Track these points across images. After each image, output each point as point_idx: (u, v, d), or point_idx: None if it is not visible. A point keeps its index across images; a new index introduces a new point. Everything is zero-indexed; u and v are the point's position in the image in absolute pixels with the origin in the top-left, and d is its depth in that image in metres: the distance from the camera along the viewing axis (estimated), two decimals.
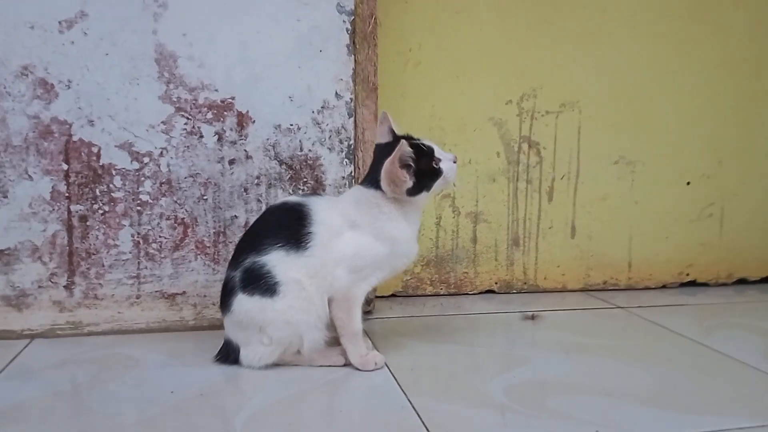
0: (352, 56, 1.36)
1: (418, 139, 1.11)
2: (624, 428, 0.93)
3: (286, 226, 1.09)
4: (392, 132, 1.12)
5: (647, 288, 1.76)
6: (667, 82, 1.71)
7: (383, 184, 1.09)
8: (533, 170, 1.67)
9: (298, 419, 0.94)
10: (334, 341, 1.14)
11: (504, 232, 1.67)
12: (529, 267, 1.69)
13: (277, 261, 1.08)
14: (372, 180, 1.11)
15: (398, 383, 1.07)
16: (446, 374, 1.14)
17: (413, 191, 1.10)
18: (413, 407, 0.97)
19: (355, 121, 1.38)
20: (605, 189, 1.71)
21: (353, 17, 1.35)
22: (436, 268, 1.64)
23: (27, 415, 0.95)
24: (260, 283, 1.07)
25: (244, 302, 1.09)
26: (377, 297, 1.59)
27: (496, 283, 1.68)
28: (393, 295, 1.63)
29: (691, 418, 0.96)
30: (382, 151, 1.10)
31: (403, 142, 1.06)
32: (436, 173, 1.11)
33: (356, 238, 1.10)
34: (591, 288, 1.73)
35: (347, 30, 1.35)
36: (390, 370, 1.12)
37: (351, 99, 1.37)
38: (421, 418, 0.94)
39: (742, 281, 1.82)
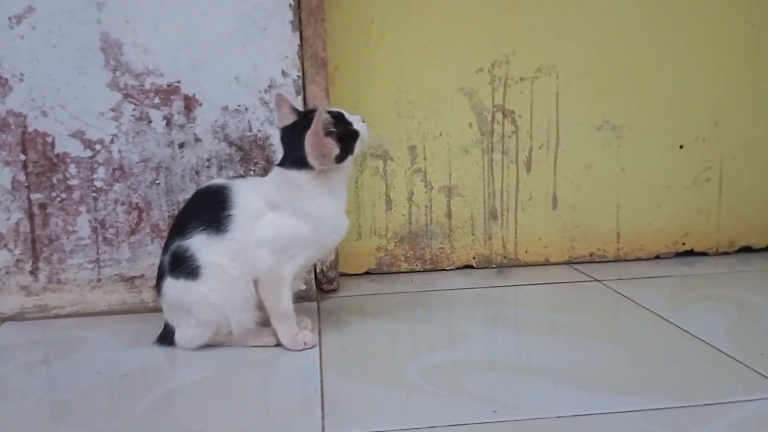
0: (298, 33, 1.34)
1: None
2: (527, 408, 0.89)
3: (208, 209, 1.10)
4: (295, 111, 1.11)
5: (638, 259, 1.67)
6: (654, 38, 1.59)
7: (311, 158, 1.07)
8: (509, 140, 1.60)
9: (200, 400, 0.96)
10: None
11: (480, 205, 1.62)
12: (508, 241, 1.64)
13: (199, 244, 1.09)
14: (291, 161, 1.09)
15: (321, 364, 1.07)
16: (376, 354, 1.13)
17: (341, 157, 1.10)
18: (322, 388, 0.97)
19: (304, 98, 1.37)
20: (588, 157, 1.62)
21: None
22: (410, 244, 1.62)
23: None
24: (184, 267, 1.09)
25: (171, 286, 1.11)
26: (348, 275, 1.59)
27: (474, 258, 1.64)
28: (367, 273, 1.62)
29: (608, 399, 0.91)
30: (293, 131, 1.09)
31: (321, 110, 1.05)
32: (354, 134, 1.11)
33: (277, 219, 1.10)
34: (576, 261, 1.66)
35: (290, 6, 1.33)
36: (320, 350, 1.12)
37: (299, 77, 1.35)
38: (322, 399, 0.93)
39: (746, 249, 1.69)
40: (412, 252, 1.62)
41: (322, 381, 0.99)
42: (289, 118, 1.11)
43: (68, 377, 1.06)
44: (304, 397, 0.95)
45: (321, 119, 1.03)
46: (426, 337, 1.20)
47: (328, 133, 1.06)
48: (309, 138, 1.04)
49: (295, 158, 1.08)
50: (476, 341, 1.16)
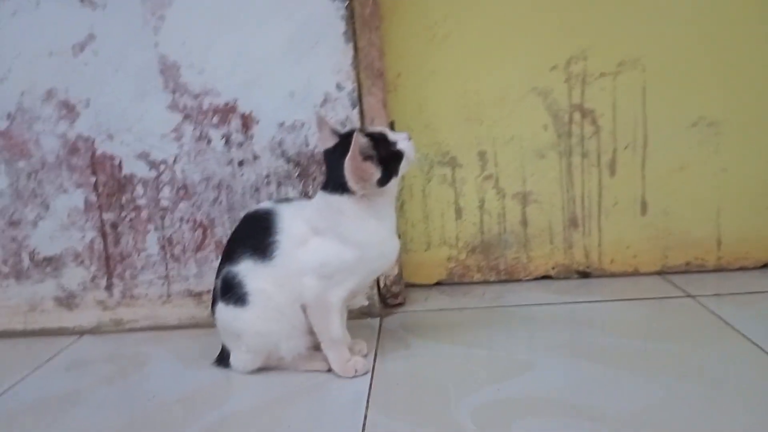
0: (351, 44, 1.29)
1: (364, 129, 1.04)
2: None
3: (254, 234, 1.08)
4: (335, 133, 1.06)
5: (743, 268, 1.49)
6: (755, 21, 1.40)
7: (351, 183, 1.02)
8: (589, 142, 1.47)
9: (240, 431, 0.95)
10: None
11: (558, 212, 1.50)
12: (591, 249, 1.51)
13: (246, 271, 1.08)
14: (332, 185, 1.05)
15: (369, 394, 1.02)
16: (428, 385, 1.06)
17: (383, 180, 1.04)
18: (364, 424, 0.93)
19: (361, 110, 1.32)
20: (682, 157, 1.46)
21: (348, 2, 1.27)
22: (483, 254, 1.53)
23: None
24: (233, 293, 1.08)
25: (222, 311, 1.11)
26: (417, 285, 1.54)
27: (553, 268, 1.53)
28: (438, 284, 1.56)
29: None
30: (333, 155, 1.04)
31: (357, 133, 0.99)
32: (398, 155, 1.05)
33: (321, 244, 1.06)
34: (670, 270, 1.50)
35: (342, 17, 1.28)
36: (372, 378, 1.08)
37: (354, 89, 1.30)
38: None
39: None
40: (485, 262, 1.54)
41: (365, 417, 0.95)
42: (330, 141, 1.06)
43: (126, 399, 1.09)
44: None
45: (357, 144, 0.97)
46: (487, 366, 1.11)
47: (367, 158, 1.00)
48: (347, 164, 0.99)
49: (336, 183, 1.03)
50: (541, 373, 1.06)
